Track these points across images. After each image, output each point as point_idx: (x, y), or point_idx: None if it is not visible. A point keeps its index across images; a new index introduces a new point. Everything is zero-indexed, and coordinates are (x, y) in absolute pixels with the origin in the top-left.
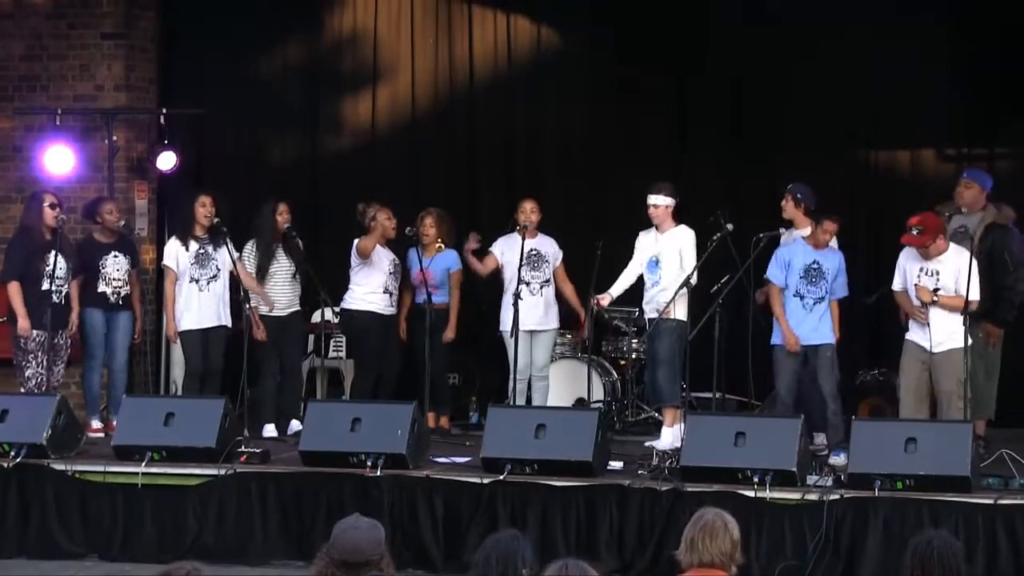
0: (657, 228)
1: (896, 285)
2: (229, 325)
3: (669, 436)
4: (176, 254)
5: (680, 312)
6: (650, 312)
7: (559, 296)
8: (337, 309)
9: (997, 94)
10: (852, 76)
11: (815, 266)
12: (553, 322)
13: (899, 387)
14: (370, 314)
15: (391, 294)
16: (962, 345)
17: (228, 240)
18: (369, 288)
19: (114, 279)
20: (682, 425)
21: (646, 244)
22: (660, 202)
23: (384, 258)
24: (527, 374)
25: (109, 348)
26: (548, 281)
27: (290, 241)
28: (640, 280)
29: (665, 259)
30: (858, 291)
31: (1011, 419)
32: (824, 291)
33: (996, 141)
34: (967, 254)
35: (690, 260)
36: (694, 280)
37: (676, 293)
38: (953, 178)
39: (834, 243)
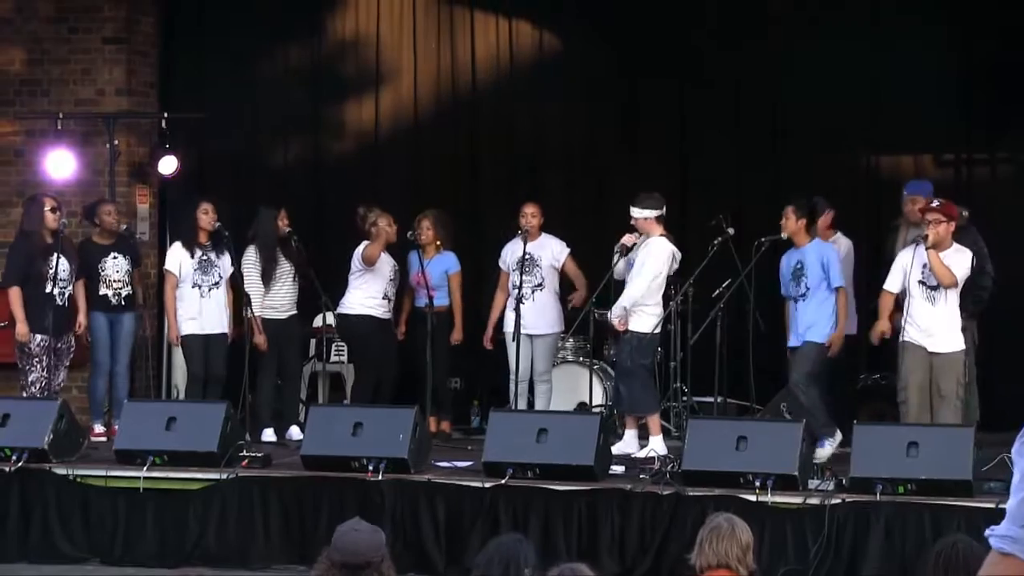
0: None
1: (892, 286)
2: (228, 332)
3: (656, 444)
4: (179, 260)
5: (639, 324)
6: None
7: (563, 296)
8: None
9: (999, 97)
10: (853, 78)
11: (798, 265)
12: (552, 326)
13: (903, 387)
14: (368, 318)
15: (389, 300)
16: (962, 348)
17: (231, 247)
18: (369, 293)
19: (114, 281)
20: (643, 436)
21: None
22: (638, 214)
23: (386, 264)
24: (527, 376)
25: (113, 351)
26: (540, 285)
27: (289, 245)
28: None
29: (635, 267)
30: (859, 294)
31: (1012, 423)
32: (805, 287)
33: (997, 144)
34: (968, 253)
35: (644, 274)
36: (638, 294)
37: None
38: (954, 181)
39: (844, 247)
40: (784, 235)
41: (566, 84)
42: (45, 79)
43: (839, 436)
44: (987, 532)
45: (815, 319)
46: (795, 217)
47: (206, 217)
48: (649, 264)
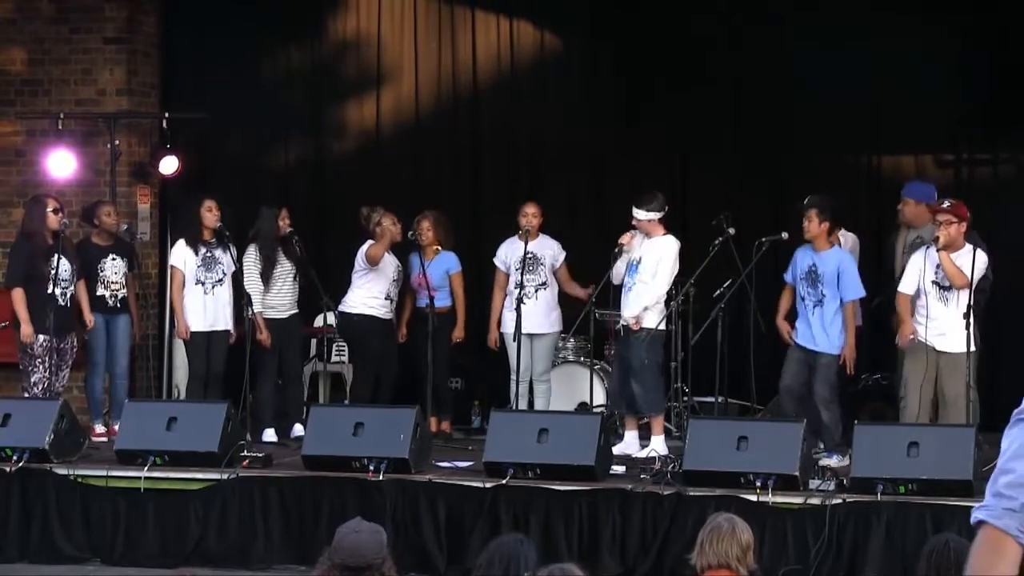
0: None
1: (908, 287)
2: (231, 330)
3: (657, 444)
4: (184, 256)
5: (651, 321)
6: (623, 317)
7: (563, 297)
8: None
9: (999, 97)
10: (854, 78)
11: (813, 268)
12: (553, 326)
13: (904, 383)
14: (369, 318)
15: (392, 300)
16: (972, 348)
17: (232, 246)
18: (371, 293)
19: (112, 282)
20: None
21: (633, 244)
22: (643, 216)
23: (390, 265)
24: (527, 376)
25: (110, 352)
26: (544, 284)
27: (290, 244)
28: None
29: (644, 266)
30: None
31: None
32: (821, 294)
33: (998, 144)
34: (981, 253)
35: (664, 272)
36: (662, 291)
37: (645, 305)
38: (955, 181)
39: (850, 243)
40: (783, 236)
41: (566, 84)
42: (46, 79)
43: (848, 459)
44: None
45: (832, 328)
46: (818, 220)
47: (210, 215)
48: (665, 262)
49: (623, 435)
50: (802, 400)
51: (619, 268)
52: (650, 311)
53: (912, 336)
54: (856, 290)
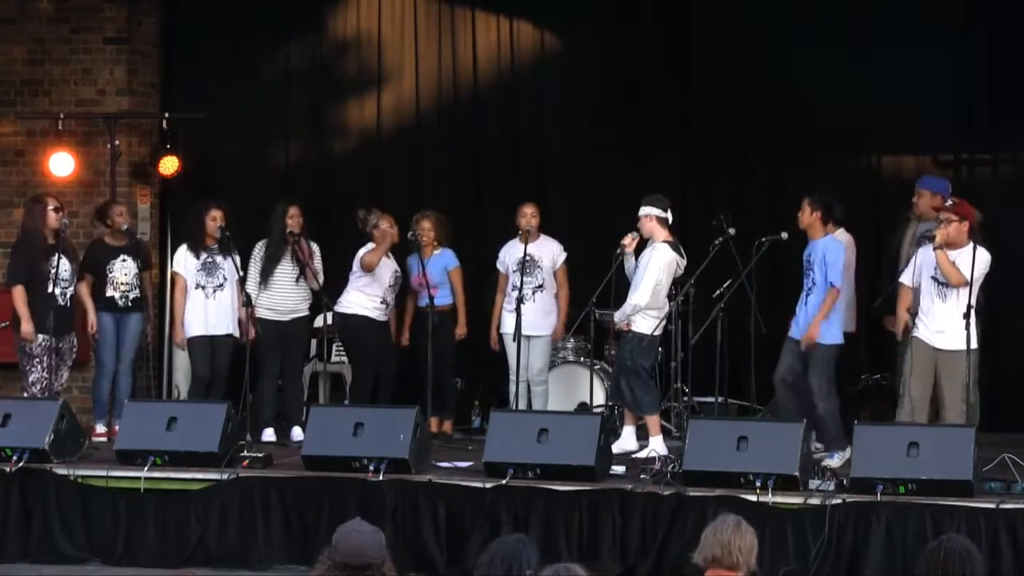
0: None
1: (909, 278)
2: (237, 335)
3: (656, 444)
4: (184, 261)
5: (640, 325)
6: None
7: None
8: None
9: (1000, 97)
10: (854, 78)
11: (809, 258)
12: (549, 328)
13: (904, 380)
14: (365, 319)
15: (387, 304)
16: (971, 347)
17: (235, 254)
18: (368, 295)
19: (122, 283)
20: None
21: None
22: (640, 212)
23: (387, 269)
24: (525, 376)
25: (118, 351)
26: (541, 286)
27: (294, 244)
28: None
29: (637, 274)
30: (860, 293)
31: (1013, 424)
32: (812, 282)
33: (998, 145)
34: (985, 252)
35: (645, 283)
36: (641, 302)
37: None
38: (954, 181)
39: (842, 235)
40: (783, 236)
41: (566, 84)
42: (46, 79)
43: (848, 452)
44: None
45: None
46: (810, 209)
47: (213, 224)
48: (648, 272)
49: (621, 432)
50: (795, 390)
51: (629, 267)
52: (641, 316)
53: (904, 327)
54: (835, 276)
